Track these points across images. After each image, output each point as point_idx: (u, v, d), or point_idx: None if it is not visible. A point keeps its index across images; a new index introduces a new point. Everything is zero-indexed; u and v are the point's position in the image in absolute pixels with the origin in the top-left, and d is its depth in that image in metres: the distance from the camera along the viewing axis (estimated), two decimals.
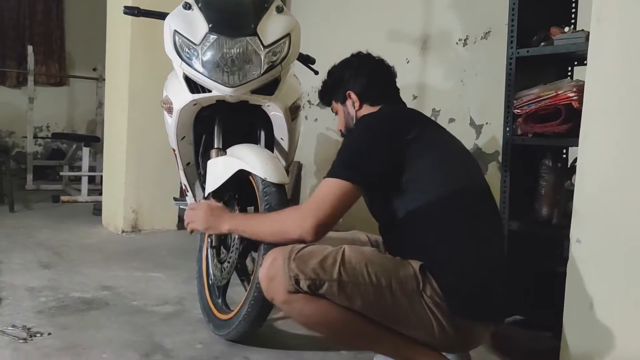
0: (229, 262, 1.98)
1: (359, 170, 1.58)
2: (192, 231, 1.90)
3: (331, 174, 1.59)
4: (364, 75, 1.91)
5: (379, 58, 1.99)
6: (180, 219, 3.86)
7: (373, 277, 1.46)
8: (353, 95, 1.90)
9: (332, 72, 2.01)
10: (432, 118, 3.35)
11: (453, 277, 1.48)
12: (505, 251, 1.70)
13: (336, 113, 2.00)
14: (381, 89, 1.92)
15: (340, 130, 2.00)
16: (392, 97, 1.94)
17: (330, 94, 2.00)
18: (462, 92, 3.20)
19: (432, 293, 1.46)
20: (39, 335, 1.93)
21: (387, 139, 1.61)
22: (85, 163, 5.22)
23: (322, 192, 1.58)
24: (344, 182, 1.55)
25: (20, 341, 1.87)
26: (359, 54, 2.01)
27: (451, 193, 1.56)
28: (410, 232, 1.57)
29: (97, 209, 4.20)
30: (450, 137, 1.77)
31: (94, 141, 5.54)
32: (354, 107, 1.90)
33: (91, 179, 5.39)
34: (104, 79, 4.57)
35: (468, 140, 3.14)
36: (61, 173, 5.65)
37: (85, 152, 5.25)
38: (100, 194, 4.38)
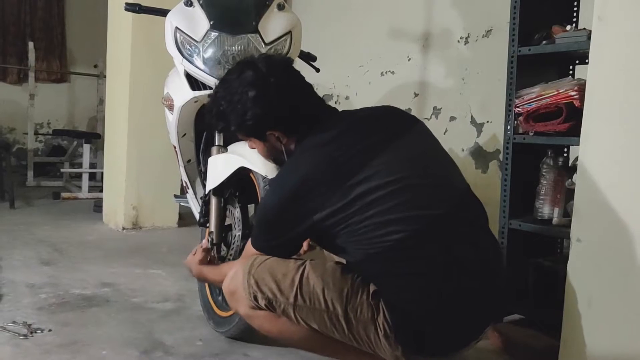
0: (229, 259, 1.98)
1: (278, 252, 1.52)
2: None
3: (252, 242, 1.58)
4: (280, 108, 1.58)
5: (286, 70, 1.66)
6: (181, 216, 3.87)
7: (329, 303, 1.42)
8: (277, 133, 1.61)
9: (226, 112, 1.62)
10: (434, 117, 3.35)
11: (401, 316, 1.38)
12: (488, 271, 1.46)
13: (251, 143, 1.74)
14: (306, 113, 1.60)
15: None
16: (320, 112, 1.63)
17: (237, 132, 1.69)
18: (463, 90, 3.21)
19: (384, 323, 1.39)
20: (39, 331, 1.93)
21: (295, 223, 1.46)
22: (85, 160, 5.22)
23: (246, 254, 1.60)
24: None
25: (21, 337, 1.88)
26: (257, 80, 1.59)
27: (394, 241, 1.37)
28: (359, 271, 1.46)
29: (97, 206, 4.20)
30: (401, 155, 1.47)
31: (94, 138, 5.54)
32: (281, 142, 1.62)
33: (92, 176, 5.39)
34: (105, 76, 4.56)
35: (469, 138, 3.14)
36: (62, 170, 5.66)
37: (86, 148, 5.25)
38: (101, 190, 4.37)
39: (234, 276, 1.53)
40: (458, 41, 3.23)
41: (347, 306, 1.41)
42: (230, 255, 1.98)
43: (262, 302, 1.47)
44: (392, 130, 1.53)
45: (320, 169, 1.46)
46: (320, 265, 1.48)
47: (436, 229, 1.40)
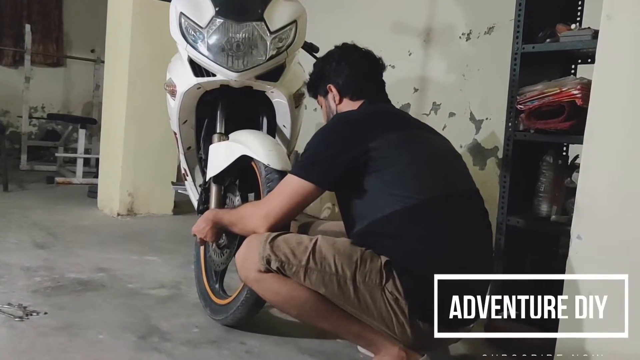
0: (228, 247, 1.98)
1: (319, 170, 1.63)
2: (201, 243, 1.95)
3: (293, 170, 1.67)
4: (344, 68, 1.86)
5: (365, 50, 1.93)
6: (176, 204, 3.85)
7: (339, 267, 1.52)
8: (333, 89, 1.87)
9: (315, 65, 1.98)
10: (433, 112, 3.36)
11: (413, 280, 1.50)
12: (488, 256, 1.70)
13: (321, 106, 1.98)
14: (362, 82, 1.86)
15: None
16: (375, 91, 1.88)
17: (313, 87, 1.97)
18: (463, 86, 3.21)
19: (393, 289, 1.50)
20: (35, 314, 1.92)
21: (351, 144, 1.62)
22: (80, 145, 5.19)
23: (279, 187, 1.67)
24: (302, 181, 1.62)
25: (17, 319, 1.87)
26: (343, 45, 1.95)
27: (419, 200, 1.56)
28: (374, 238, 1.58)
29: (91, 192, 4.17)
30: (431, 140, 1.75)
31: (90, 123, 5.50)
32: (335, 102, 1.87)
33: (86, 162, 5.36)
34: (102, 61, 4.53)
35: (467, 135, 3.15)
36: (56, 154, 5.62)
37: (81, 134, 5.22)
38: (95, 176, 4.34)
39: (248, 244, 1.61)
40: (460, 37, 3.23)
41: (356, 271, 1.51)
42: (230, 243, 1.97)
43: (274, 265, 1.54)
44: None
45: (375, 116, 1.75)
46: (331, 239, 1.59)
47: (451, 205, 1.61)
